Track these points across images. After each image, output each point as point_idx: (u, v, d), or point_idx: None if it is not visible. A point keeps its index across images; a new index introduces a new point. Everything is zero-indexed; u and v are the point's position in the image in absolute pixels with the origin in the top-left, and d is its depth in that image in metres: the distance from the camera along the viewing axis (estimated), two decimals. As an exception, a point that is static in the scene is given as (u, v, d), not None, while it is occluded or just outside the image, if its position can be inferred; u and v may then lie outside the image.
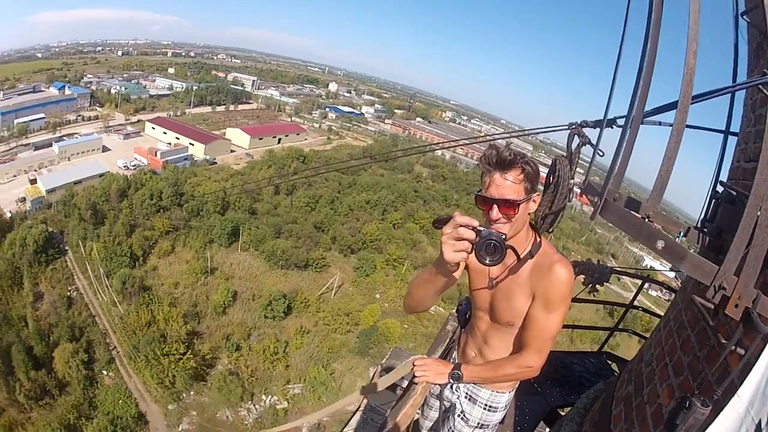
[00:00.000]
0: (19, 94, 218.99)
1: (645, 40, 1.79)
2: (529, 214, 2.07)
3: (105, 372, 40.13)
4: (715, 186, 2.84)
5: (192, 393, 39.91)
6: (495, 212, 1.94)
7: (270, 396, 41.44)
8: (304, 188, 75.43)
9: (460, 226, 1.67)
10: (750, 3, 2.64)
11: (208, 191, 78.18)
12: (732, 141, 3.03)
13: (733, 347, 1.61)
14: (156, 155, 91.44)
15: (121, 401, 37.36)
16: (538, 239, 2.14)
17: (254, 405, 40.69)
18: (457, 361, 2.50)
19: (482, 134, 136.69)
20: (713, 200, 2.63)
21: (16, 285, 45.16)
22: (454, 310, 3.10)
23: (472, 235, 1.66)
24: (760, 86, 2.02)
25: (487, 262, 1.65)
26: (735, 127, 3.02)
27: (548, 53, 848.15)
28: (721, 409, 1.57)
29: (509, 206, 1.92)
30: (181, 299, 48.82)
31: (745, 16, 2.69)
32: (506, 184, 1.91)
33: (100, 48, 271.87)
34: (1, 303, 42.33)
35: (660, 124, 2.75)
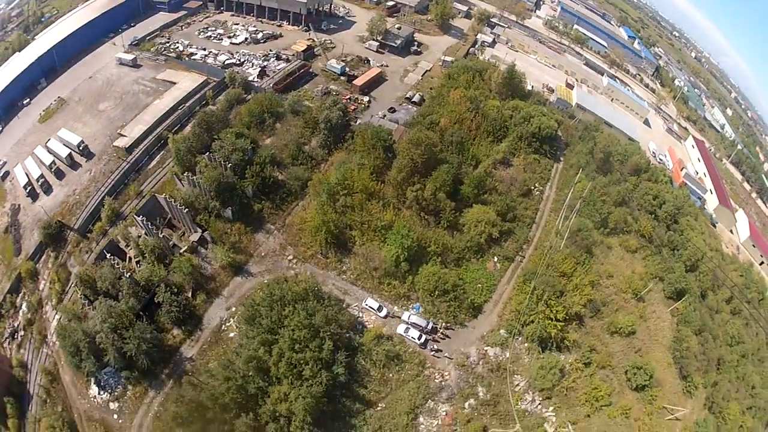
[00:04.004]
0: (578, 5, 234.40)
1: None
2: None
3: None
4: None
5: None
6: None
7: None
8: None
9: None
10: None
11: (693, 241, 71.62)
12: None
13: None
14: (681, 171, 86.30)
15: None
16: None
17: None
18: None
19: None
20: None
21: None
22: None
23: None
24: None
25: None
26: None
27: None
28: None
29: None
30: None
31: None
32: None
33: (676, 34, 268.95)
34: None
35: None
